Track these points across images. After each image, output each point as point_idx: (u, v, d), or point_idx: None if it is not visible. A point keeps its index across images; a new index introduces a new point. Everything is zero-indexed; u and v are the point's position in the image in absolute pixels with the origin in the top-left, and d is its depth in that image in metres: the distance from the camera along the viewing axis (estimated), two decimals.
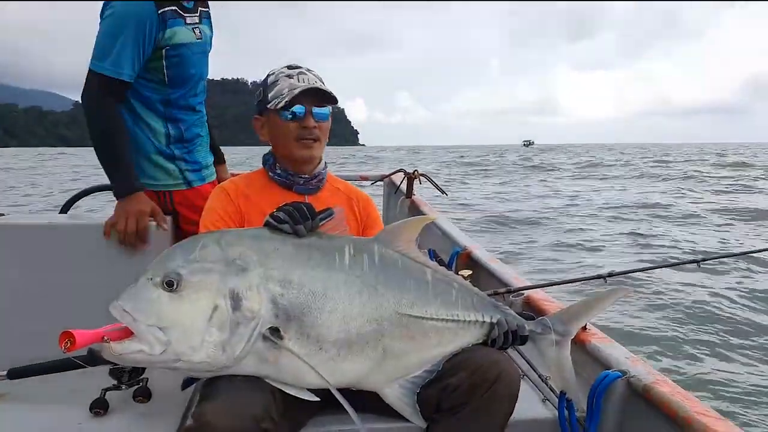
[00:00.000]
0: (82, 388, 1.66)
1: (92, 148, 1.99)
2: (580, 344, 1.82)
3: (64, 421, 1.60)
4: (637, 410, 1.59)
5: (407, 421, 1.47)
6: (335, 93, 1.69)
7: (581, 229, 10.33)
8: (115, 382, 1.64)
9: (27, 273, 1.99)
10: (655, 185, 19.29)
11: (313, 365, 1.32)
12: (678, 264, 2.68)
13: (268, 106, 1.68)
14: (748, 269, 6.61)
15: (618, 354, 1.74)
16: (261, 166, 1.81)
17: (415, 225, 1.55)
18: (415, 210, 4.07)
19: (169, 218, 2.09)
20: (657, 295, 5.69)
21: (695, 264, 2.35)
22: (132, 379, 1.66)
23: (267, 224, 1.43)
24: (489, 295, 1.70)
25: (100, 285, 1.60)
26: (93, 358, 1.47)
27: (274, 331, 1.31)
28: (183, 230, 2.12)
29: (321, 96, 1.69)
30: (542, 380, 1.79)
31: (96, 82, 1.95)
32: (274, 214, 1.44)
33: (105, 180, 2.08)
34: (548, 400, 1.73)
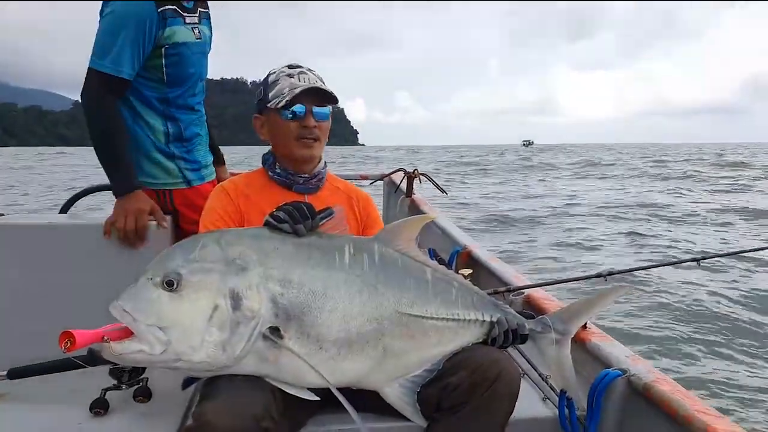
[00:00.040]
0: (82, 388, 1.66)
1: (92, 148, 1.99)
2: (580, 343, 1.82)
3: (64, 421, 1.60)
4: (637, 409, 1.59)
5: (407, 420, 1.47)
6: (335, 93, 1.69)
7: (580, 228, 10.34)
8: (115, 382, 1.64)
9: (27, 273, 1.98)
10: (654, 185, 19.31)
11: (313, 364, 1.32)
12: (678, 262, 2.66)
13: (269, 105, 1.68)
14: (747, 268, 6.62)
15: (618, 352, 1.74)
16: (260, 165, 1.81)
17: (415, 224, 1.55)
18: (415, 209, 4.07)
19: (169, 217, 2.08)
20: (657, 293, 5.69)
21: (695, 262, 2.35)
22: (132, 378, 1.65)
23: (267, 224, 1.43)
24: (489, 294, 1.70)
25: (100, 285, 1.60)
26: (93, 358, 1.47)
27: (274, 330, 1.31)
28: (183, 230, 2.12)
29: (321, 96, 1.69)
30: (542, 379, 1.79)
31: (96, 80, 1.95)
32: (274, 213, 1.43)
33: (105, 179, 2.08)
34: (548, 398, 1.73)
